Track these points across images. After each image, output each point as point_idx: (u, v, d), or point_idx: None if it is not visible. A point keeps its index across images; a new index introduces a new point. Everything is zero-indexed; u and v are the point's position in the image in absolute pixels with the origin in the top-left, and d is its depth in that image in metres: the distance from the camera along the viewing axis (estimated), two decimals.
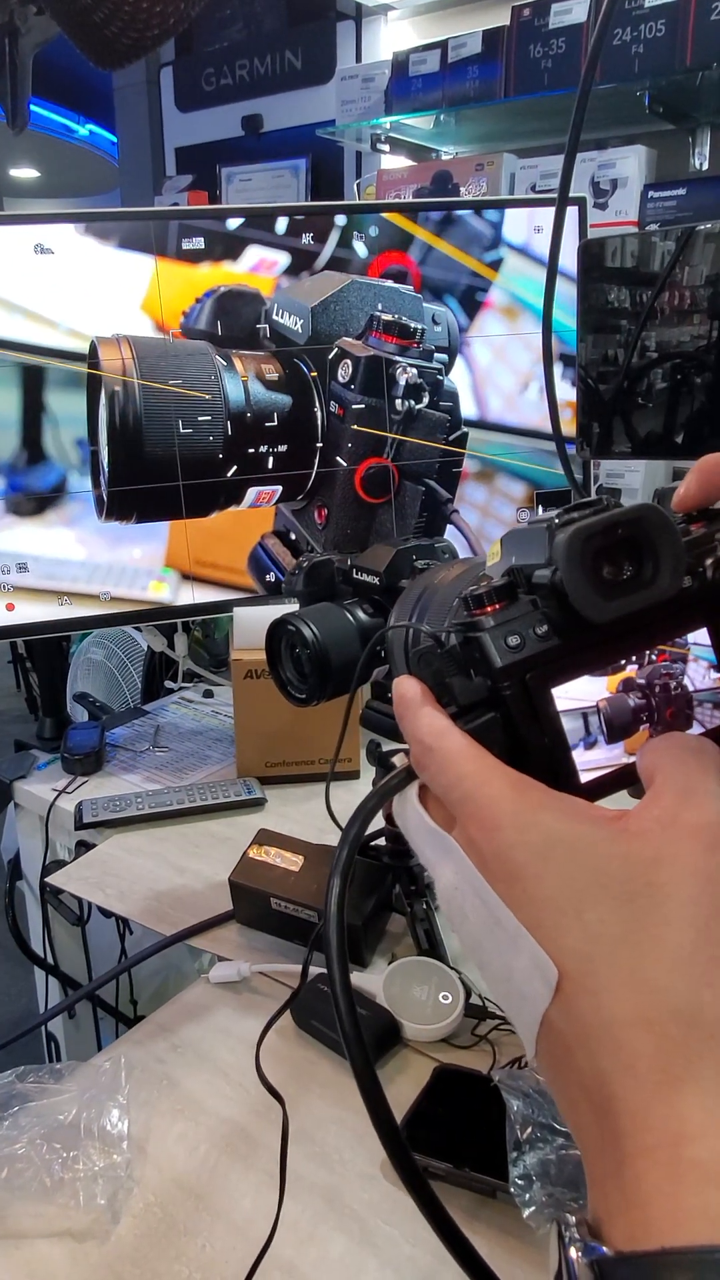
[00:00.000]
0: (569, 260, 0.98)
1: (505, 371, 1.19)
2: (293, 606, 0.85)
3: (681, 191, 1.53)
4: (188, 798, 1.11)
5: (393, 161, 2.04)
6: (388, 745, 0.86)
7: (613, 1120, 0.24)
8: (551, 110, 1.70)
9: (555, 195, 1.49)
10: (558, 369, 1.10)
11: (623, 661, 0.31)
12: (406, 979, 0.78)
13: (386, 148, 1.98)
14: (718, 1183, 0.22)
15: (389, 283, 1.11)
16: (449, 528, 1.20)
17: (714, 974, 0.24)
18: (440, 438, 1.14)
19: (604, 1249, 0.23)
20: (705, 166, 1.69)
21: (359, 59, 2.13)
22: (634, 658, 0.31)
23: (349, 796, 0.90)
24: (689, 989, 0.24)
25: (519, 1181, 0.58)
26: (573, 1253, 0.24)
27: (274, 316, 1.09)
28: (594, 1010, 0.25)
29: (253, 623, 1.14)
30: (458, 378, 1.16)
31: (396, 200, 1.86)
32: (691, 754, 0.29)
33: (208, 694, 1.48)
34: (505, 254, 1.16)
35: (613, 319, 0.88)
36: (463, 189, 1.79)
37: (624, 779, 0.30)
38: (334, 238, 1.10)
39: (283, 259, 1.09)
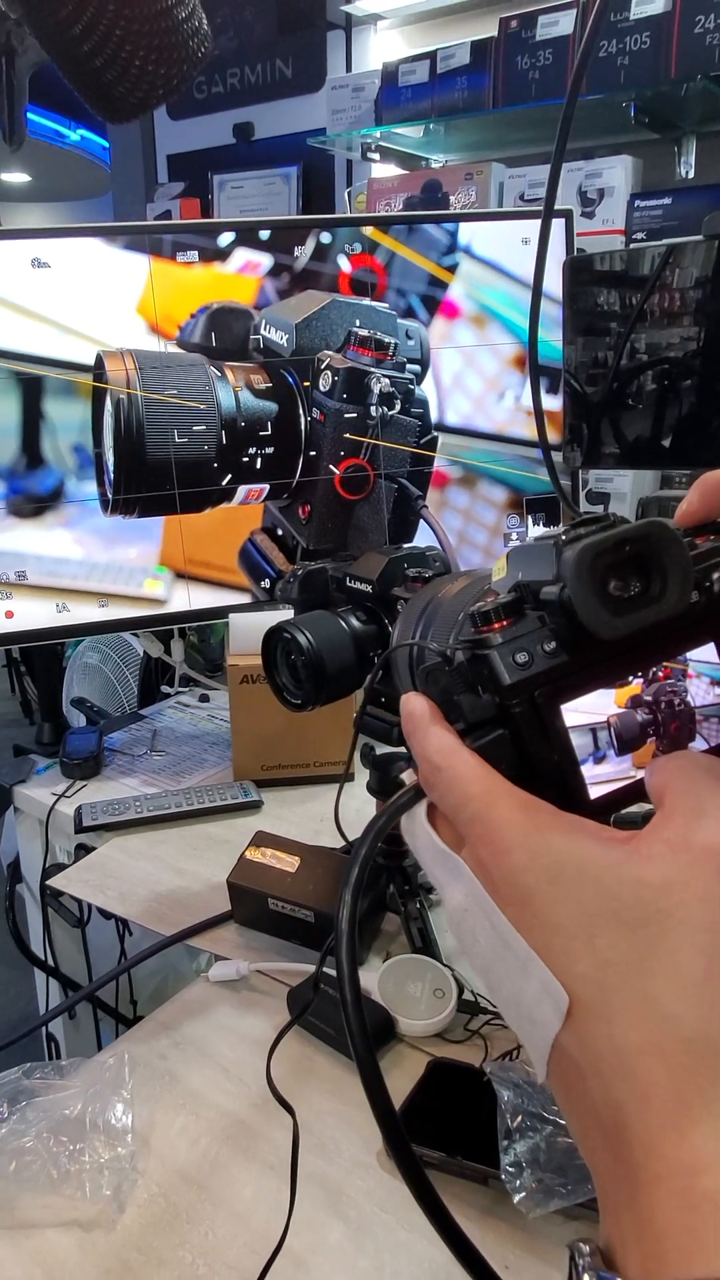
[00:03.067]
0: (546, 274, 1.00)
1: (480, 379, 1.24)
2: (287, 613, 0.87)
3: (667, 201, 1.56)
4: (185, 801, 1.13)
5: (383, 170, 2.06)
6: (381, 749, 0.88)
7: (626, 1149, 0.24)
8: (539, 120, 1.73)
9: (542, 207, 1.52)
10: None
11: (629, 677, 0.31)
12: (401, 976, 0.80)
13: (377, 156, 2.00)
14: None
15: (366, 301, 1.18)
16: (420, 522, 1.27)
17: None
18: (412, 441, 1.22)
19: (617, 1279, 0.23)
20: (691, 175, 1.71)
21: (349, 68, 2.16)
22: (641, 673, 0.31)
23: (345, 799, 0.92)
24: (700, 1017, 0.24)
25: (510, 1169, 0.61)
26: None
27: (262, 331, 1.17)
28: (606, 1037, 0.25)
29: (248, 629, 1.16)
30: (433, 385, 1.24)
31: (387, 212, 1.89)
32: (702, 773, 0.28)
33: (204, 698, 1.50)
34: (461, 259, 1.23)
35: (601, 322, 0.90)
36: (452, 197, 1.81)
37: (633, 796, 0.30)
38: (310, 246, 1.17)
39: (267, 260, 1.17)
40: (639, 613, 0.28)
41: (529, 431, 1.27)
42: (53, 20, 0.38)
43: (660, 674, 0.31)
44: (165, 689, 1.52)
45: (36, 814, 1.20)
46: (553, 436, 0.89)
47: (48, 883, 1.06)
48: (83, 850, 1.10)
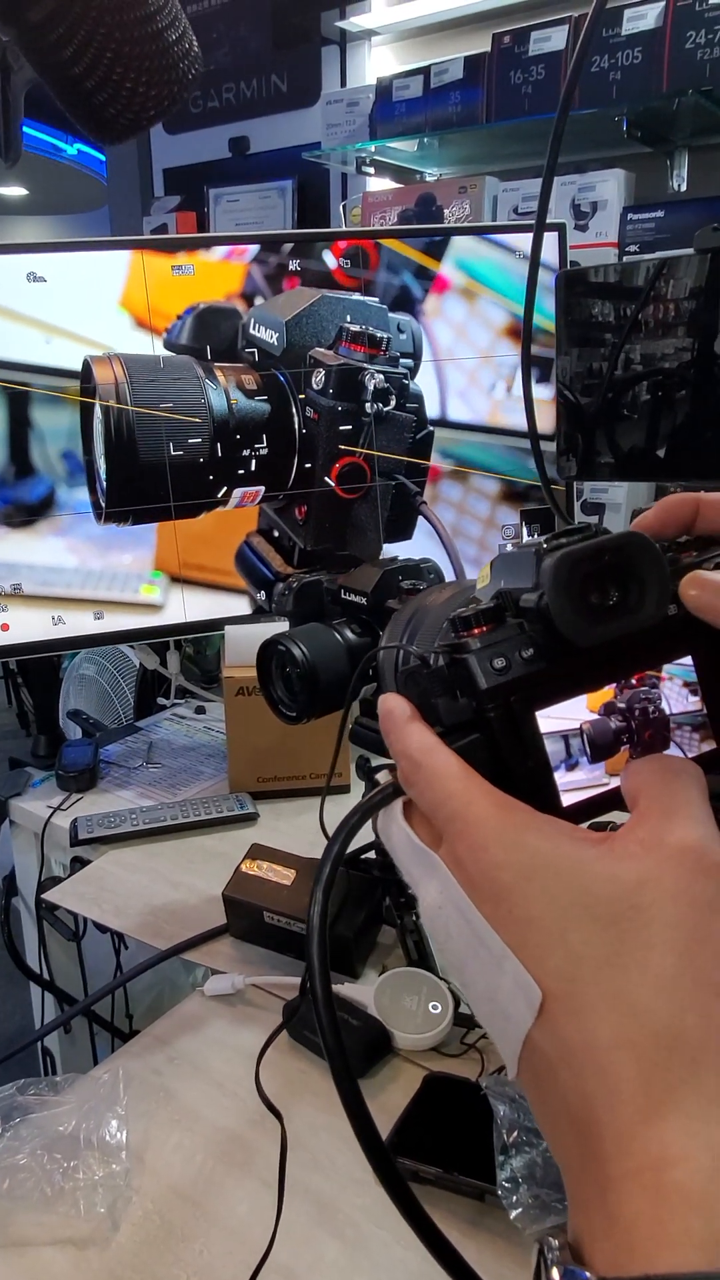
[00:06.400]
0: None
1: (474, 352, 1.24)
2: (283, 625, 0.87)
3: (660, 214, 1.57)
4: (181, 813, 1.13)
5: (378, 183, 2.07)
6: (376, 760, 0.88)
7: (595, 1143, 0.24)
8: (532, 134, 1.74)
9: (548, 221, 1.52)
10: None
11: (604, 686, 0.31)
12: (397, 990, 0.80)
13: (372, 170, 2.01)
14: (700, 1208, 0.22)
15: (356, 295, 1.17)
16: (419, 519, 1.26)
17: (696, 998, 0.24)
18: (407, 436, 1.21)
19: (586, 1274, 0.23)
20: (684, 188, 1.73)
21: (344, 83, 2.17)
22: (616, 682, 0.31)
23: (339, 810, 0.92)
24: (671, 1013, 0.24)
25: (506, 1184, 0.60)
26: (555, 1275, 0.24)
27: (251, 331, 1.15)
28: (577, 1032, 0.25)
29: (243, 641, 1.16)
30: (428, 377, 1.23)
31: (382, 225, 1.90)
32: (675, 775, 0.29)
33: (200, 710, 1.49)
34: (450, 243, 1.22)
35: (595, 333, 0.90)
36: (446, 211, 1.82)
37: (608, 803, 0.30)
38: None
39: (251, 247, 1.16)
40: (616, 622, 0.29)
41: (522, 421, 1.27)
42: (44, 43, 0.39)
43: (634, 680, 0.32)
44: (161, 701, 1.52)
45: (32, 827, 1.19)
46: (545, 426, 0.89)
47: (43, 896, 1.05)
48: (78, 863, 1.09)
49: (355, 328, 1.13)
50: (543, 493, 1.00)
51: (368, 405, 1.14)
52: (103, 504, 1.14)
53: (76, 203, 6.10)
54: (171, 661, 1.38)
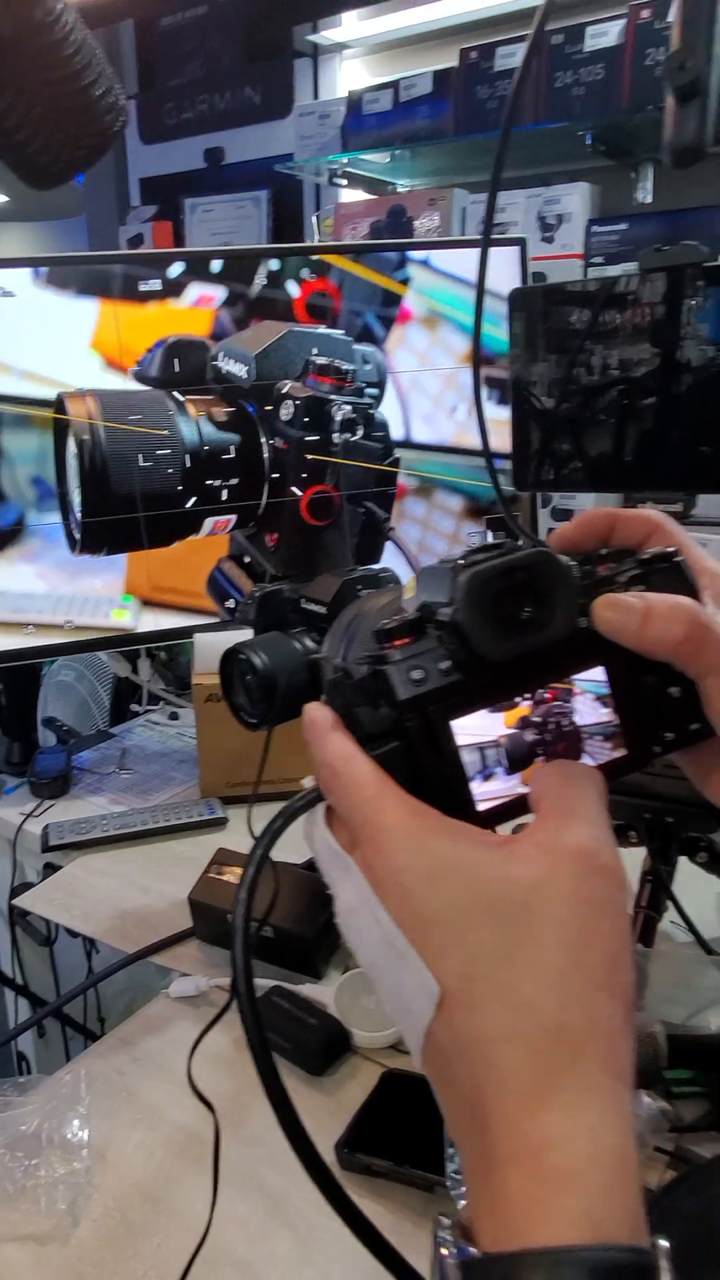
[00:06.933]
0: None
1: (436, 380, 1.27)
2: (249, 633, 0.89)
3: (624, 226, 1.60)
4: (152, 819, 1.15)
5: (350, 194, 2.10)
6: None
7: (486, 1129, 0.26)
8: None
9: (507, 235, 1.55)
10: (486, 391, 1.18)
11: (519, 700, 0.32)
12: (357, 989, 0.82)
13: (344, 181, 2.04)
14: (574, 1187, 0.24)
15: (322, 329, 1.20)
16: (388, 544, 1.28)
17: (582, 992, 0.26)
18: (374, 464, 1.24)
19: (471, 1250, 0.25)
20: (648, 200, 1.76)
21: (316, 95, 2.20)
22: (530, 695, 0.32)
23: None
24: (558, 1006, 0.26)
25: (454, 1175, 0.62)
26: (443, 1252, 0.26)
27: (220, 364, 1.18)
28: (471, 1025, 0.26)
29: (213, 648, 1.18)
30: (391, 399, 1.26)
31: (354, 235, 1.92)
32: (575, 781, 0.30)
33: (173, 716, 1.51)
34: (412, 271, 1.25)
35: (552, 348, 0.92)
36: (416, 222, 1.85)
37: (519, 808, 0.32)
38: (263, 272, 1.20)
39: (220, 293, 1.18)
40: (527, 637, 0.31)
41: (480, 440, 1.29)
42: None
43: (548, 695, 0.33)
44: (135, 708, 1.53)
45: (4, 834, 1.21)
46: (504, 445, 0.91)
47: (14, 902, 1.07)
48: (50, 869, 1.11)
49: (322, 360, 1.16)
50: (506, 505, 1.03)
51: (335, 435, 1.17)
52: (77, 536, 1.16)
53: (56, 210, 6.09)
54: (143, 669, 1.40)
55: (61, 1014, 1.22)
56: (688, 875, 0.79)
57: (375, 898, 0.29)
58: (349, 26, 2.09)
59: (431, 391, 1.27)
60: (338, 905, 0.31)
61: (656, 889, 0.81)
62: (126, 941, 0.94)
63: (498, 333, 0.90)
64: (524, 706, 0.32)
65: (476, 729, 0.31)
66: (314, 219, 2.16)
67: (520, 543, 0.33)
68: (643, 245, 1.58)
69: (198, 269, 1.17)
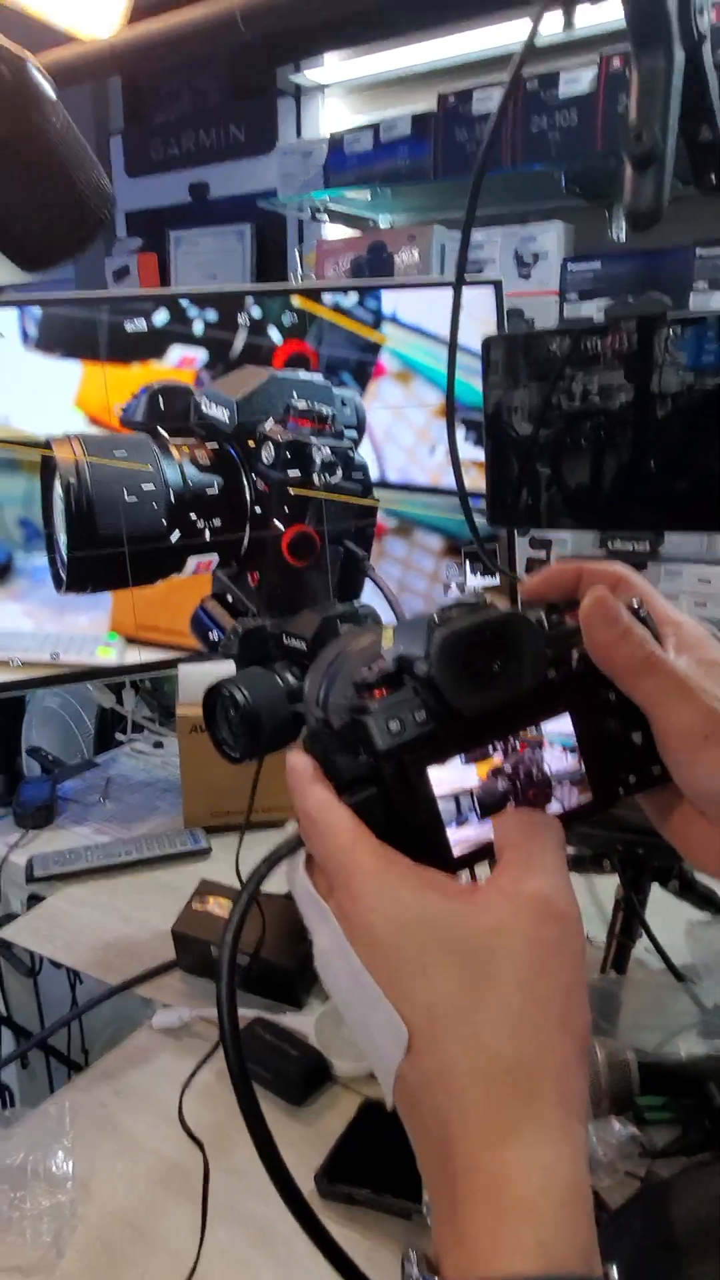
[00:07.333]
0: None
1: (411, 431, 1.31)
2: (232, 665, 0.91)
3: (598, 265, 1.65)
4: (136, 850, 1.16)
5: (333, 230, 2.14)
6: None
7: (449, 1163, 0.28)
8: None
9: (484, 271, 1.58)
10: (461, 432, 1.22)
11: (491, 750, 0.34)
12: (337, 1020, 0.83)
13: (326, 217, 2.09)
14: (531, 1220, 0.26)
15: (303, 374, 1.24)
16: (367, 582, 1.31)
17: (539, 1031, 0.28)
18: (354, 505, 1.27)
19: None
20: (622, 238, 1.81)
21: (299, 134, 2.24)
22: (500, 748, 0.34)
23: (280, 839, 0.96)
24: (516, 1045, 0.28)
25: (430, 1203, 0.64)
26: None
27: (203, 408, 1.22)
28: (436, 1064, 0.28)
29: (198, 679, 1.20)
30: (369, 446, 1.30)
31: (334, 270, 1.96)
32: (535, 830, 0.32)
33: (158, 744, 1.52)
34: (386, 326, 1.29)
35: (524, 391, 0.94)
36: (396, 258, 1.89)
37: (490, 851, 0.34)
38: (243, 334, 1.24)
39: (201, 355, 1.22)
40: (497, 691, 0.33)
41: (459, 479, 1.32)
42: None
43: (519, 747, 0.35)
44: (119, 736, 1.54)
45: None
46: (480, 485, 0.94)
47: None
48: (34, 900, 1.12)
49: (302, 405, 1.20)
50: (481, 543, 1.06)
51: (315, 477, 1.21)
52: (63, 575, 1.19)
53: None
54: (127, 699, 1.42)
55: (46, 1045, 1.22)
56: (659, 903, 0.81)
57: (347, 942, 0.30)
58: (330, 68, 2.15)
59: (409, 435, 1.30)
60: (315, 948, 0.33)
61: (630, 916, 0.83)
62: (110, 972, 0.95)
63: (474, 381, 0.94)
64: (496, 758, 0.34)
65: (451, 779, 0.33)
66: (296, 252, 2.20)
67: (493, 603, 0.35)
68: (617, 283, 1.63)
69: (181, 319, 1.20)
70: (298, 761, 0.34)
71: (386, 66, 2.03)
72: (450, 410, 0.93)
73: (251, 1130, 0.32)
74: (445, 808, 0.33)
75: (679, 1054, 0.79)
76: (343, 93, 2.21)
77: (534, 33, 0.62)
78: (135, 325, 1.19)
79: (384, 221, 2.12)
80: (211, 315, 1.21)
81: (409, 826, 0.32)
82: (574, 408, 0.93)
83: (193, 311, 1.21)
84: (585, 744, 0.36)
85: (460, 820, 0.34)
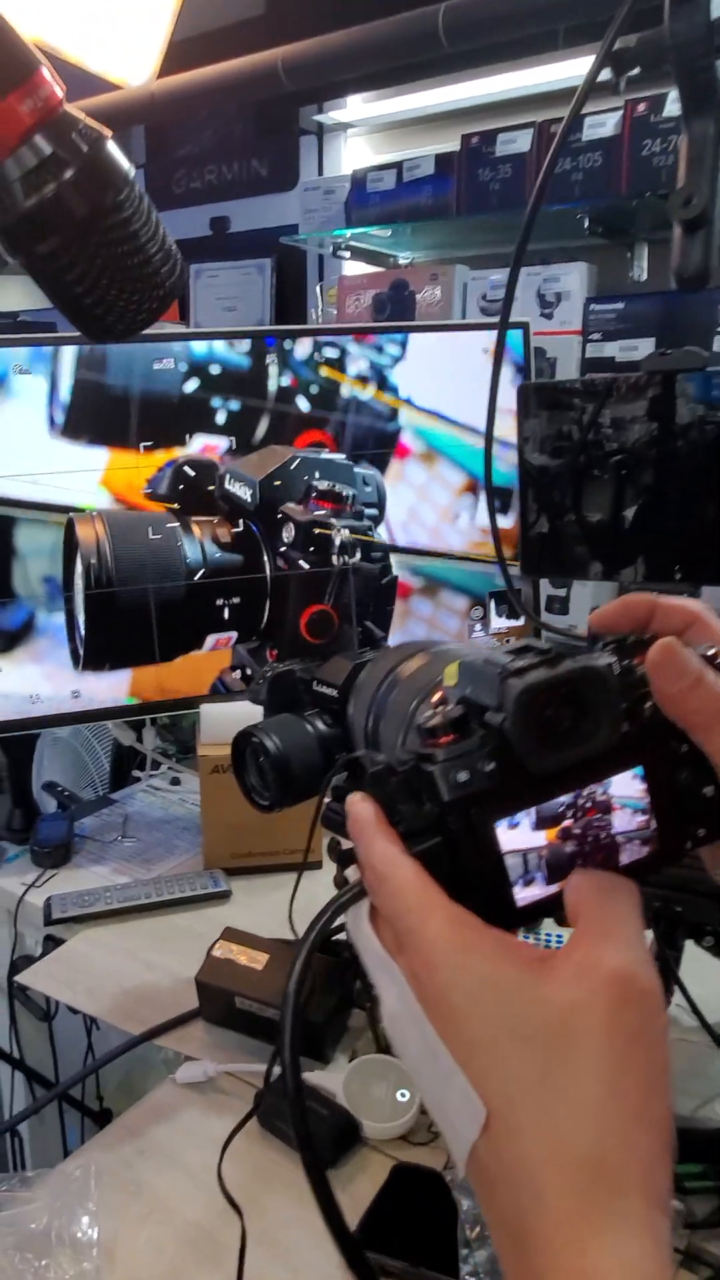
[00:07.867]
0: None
1: (434, 510, 1.32)
2: (256, 710, 0.90)
3: (620, 305, 1.65)
4: (155, 891, 1.14)
5: (353, 267, 2.16)
6: (346, 844, 0.91)
7: (528, 1254, 0.27)
8: (499, 227, 1.83)
9: (511, 319, 1.59)
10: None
11: (560, 803, 0.33)
12: (366, 1077, 0.82)
13: (347, 254, 2.10)
14: None
15: (325, 453, 1.25)
16: None
17: (619, 1126, 0.27)
18: (373, 585, 1.29)
19: None
20: (644, 278, 1.81)
21: (321, 171, 2.26)
22: (571, 805, 0.33)
23: (313, 886, 0.94)
24: (595, 1139, 0.27)
25: (469, 1277, 0.62)
26: None
27: (226, 486, 1.23)
28: (513, 1150, 0.27)
29: (219, 719, 1.19)
30: (399, 512, 1.30)
31: (355, 307, 1.97)
32: (609, 895, 0.31)
33: (175, 781, 1.51)
34: (403, 411, 1.29)
35: (559, 438, 0.95)
36: (418, 295, 1.90)
37: (556, 905, 0.33)
38: (266, 419, 1.24)
39: (223, 443, 1.23)
40: (570, 750, 0.32)
41: (485, 549, 1.33)
42: (50, 269, 0.43)
43: (589, 811, 0.34)
44: (136, 774, 1.53)
45: (5, 904, 1.20)
46: (506, 551, 0.94)
47: (15, 978, 1.06)
48: (52, 942, 1.10)
49: (323, 485, 1.21)
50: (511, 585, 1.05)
51: (334, 558, 1.22)
52: (81, 653, 1.19)
53: None
54: (147, 737, 1.40)
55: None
56: (693, 958, 0.79)
57: (421, 1011, 0.30)
58: (353, 108, 2.17)
59: (432, 515, 1.31)
60: (383, 1008, 0.32)
61: (664, 974, 0.82)
62: (130, 1020, 0.94)
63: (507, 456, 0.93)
64: (566, 821, 0.33)
65: (519, 839, 0.32)
66: (318, 289, 2.21)
67: (555, 649, 0.33)
68: (639, 324, 1.63)
69: (203, 423, 1.20)
70: (360, 809, 0.33)
71: (408, 106, 2.05)
72: (488, 442, 0.93)
73: (324, 1213, 0.31)
74: (512, 864, 0.32)
75: (717, 1118, 0.77)
76: (365, 131, 2.23)
77: (584, 92, 0.62)
78: (163, 365, 1.19)
79: (404, 259, 2.13)
80: (235, 405, 1.21)
81: (473, 879, 0.32)
82: (604, 453, 0.93)
83: (216, 401, 1.21)
84: (656, 796, 0.35)
85: (527, 879, 0.33)
